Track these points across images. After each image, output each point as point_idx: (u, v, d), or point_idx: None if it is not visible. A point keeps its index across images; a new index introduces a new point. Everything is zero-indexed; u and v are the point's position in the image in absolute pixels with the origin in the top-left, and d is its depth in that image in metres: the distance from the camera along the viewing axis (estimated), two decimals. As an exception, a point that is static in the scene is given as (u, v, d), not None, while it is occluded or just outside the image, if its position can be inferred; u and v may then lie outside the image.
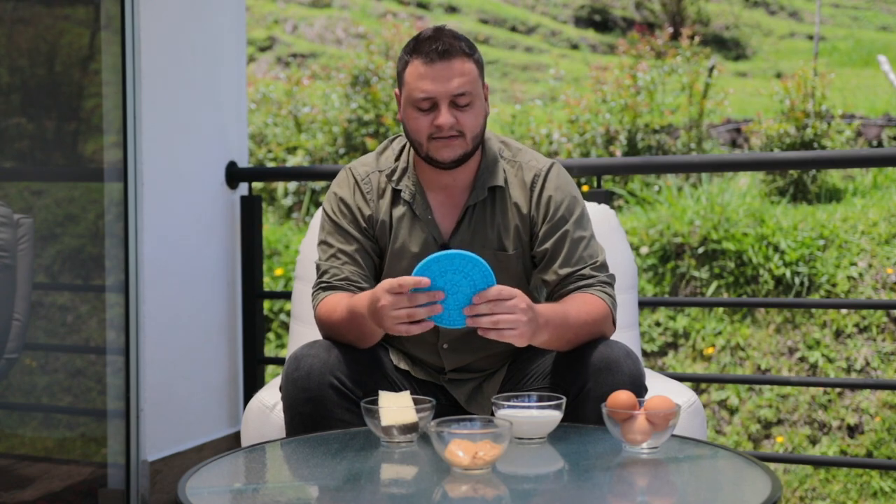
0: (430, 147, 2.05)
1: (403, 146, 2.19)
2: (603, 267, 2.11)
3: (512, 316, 1.81)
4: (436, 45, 2.02)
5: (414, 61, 2.04)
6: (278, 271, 5.60)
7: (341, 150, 7.22)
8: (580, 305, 2.00)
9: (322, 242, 2.16)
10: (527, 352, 2.16)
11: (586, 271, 2.08)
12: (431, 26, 2.11)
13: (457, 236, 2.12)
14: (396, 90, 2.13)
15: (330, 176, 3.53)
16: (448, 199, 2.14)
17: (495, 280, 1.83)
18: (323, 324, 2.07)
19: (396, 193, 2.15)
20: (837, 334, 4.61)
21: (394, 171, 2.16)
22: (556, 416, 1.82)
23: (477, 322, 1.82)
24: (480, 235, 2.12)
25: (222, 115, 3.32)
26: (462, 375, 2.19)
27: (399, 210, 2.14)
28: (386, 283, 1.84)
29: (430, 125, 2.04)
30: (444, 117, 2.02)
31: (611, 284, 2.10)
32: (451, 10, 14.59)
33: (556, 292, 2.09)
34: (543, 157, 2.18)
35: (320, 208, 2.24)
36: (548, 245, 2.09)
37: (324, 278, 2.11)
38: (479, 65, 2.09)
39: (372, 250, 2.14)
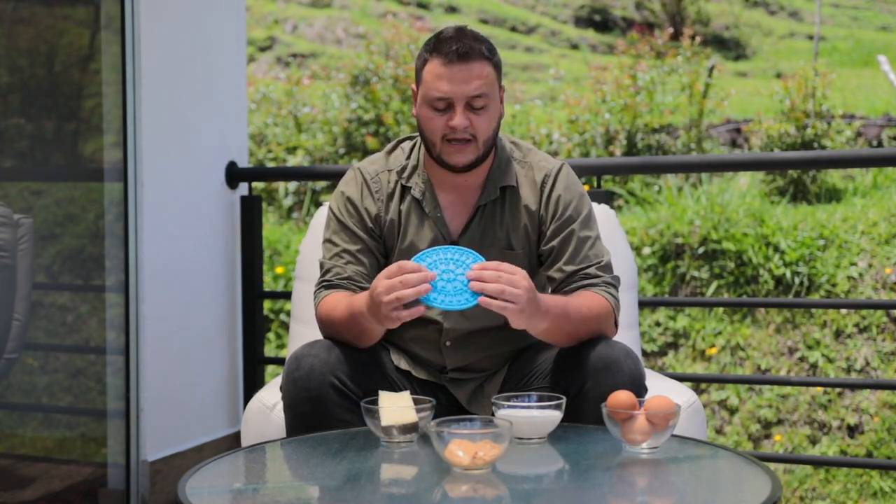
0: (443, 149, 2.06)
1: (413, 146, 2.20)
2: (608, 267, 2.12)
3: (516, 290, 1.82)
4: (456, 46, 2.03)
5: (433, 60, 2.05)
6: (279, 271, 5.60)
7: (341, 150, 7.23)
8: (582, 300, 2.01)
9: (327, 241, 2.16)
10: (528, 351, 2.16)
11: (591, 270, 2.08)
12: (454, 25, 2.12)
13: (466, 235, 2.13)
14: (413, 86, 2.14)
15: (330, 176, 3.54)
16: (459, 198, 2.15)
17: None
18: (323, 322, 2.07)
19: (406, 192, 2.16)
20: (837, 334, 4.61)
21: (404, 169, 2.17)
22: (556, 416, 1.82)
23: (481, 287, 1.82)
24: (490, 234, 2.13)
25: (222, 115, 3.32)
26: (463, 375, 2.19)
27: (408, 208, 2.14)
28: (385, 269, 1.86)
29: (444, 126, 2.04)
30: (459, 119, 2.03)
31: (615, 286, 2.11)
32: (451, 10, 14.59)
33: (560, 290, 2.09)
34: (553, 158, 2.20)
35: (324, 206, 2.24)
36: (554, 243, 2.10)
37: (326, 276, 2.12)
38: (498, 68, 2.09)
39: (377, 250, 2.14)
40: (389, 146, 2.23)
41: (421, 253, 1.88)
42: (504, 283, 1.82)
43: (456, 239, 2.13)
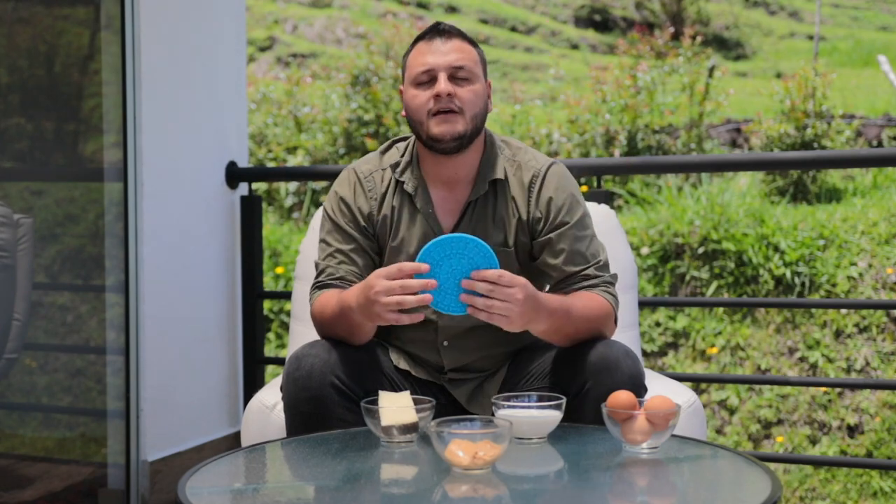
0: (431, 123, 2.06)
1: (407, 145, 2.21)
2: (605, 267, 2.12)
3: (506, 304, 1.83)
4: (436, 28, 2.11)
5: (416, 46, 2.12)
6: (279, 271, 5.60)
7: (341, 150, 7.22)
8: (584, 302, 2.02)
9: (322, 241, 2.17)
10: (527, 351, 2.16)
11: (590, 271, 2.08)
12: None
13: (457, 231, 2.12)
14: (401, 86, 2.15)
15: (330, 176, 3.54)
16: (450, 194, 2.15)
17: (498, 263, 1.84)
18: (316, 320, 2.09)
19: (399, 188, 2.16)
20: (837, 334, 4.61)
21: (398, 164, 2.18)
22: (556, 416, 1.82)
23: (471, 300, 1.83)
24: (482, 231, 2.12)
25: (222, 115, 3.32)
26: (462, 375, 2.19)
27: (400, 204, 2.15)
28: (383, 269, 1.85)
29: (429, 99, 2.06)
30: (443, 85, 2.04)
31: (613, 284, 2.11)
32: (451, 9, 14.59)
33: (559, 289, 2.09)
34: (543, 157, 2.18)
35: (321, 207, 2.25)
36: (551, 245, 2.10)
37: (320, 277, 2.13)
38: (481, 57, 2.13)
39: (370, 249, 2.14)
40: (384, 146, 2.24)
41: (429, 245, 1.84)
42: (497, 296, 1.82)
43: None
